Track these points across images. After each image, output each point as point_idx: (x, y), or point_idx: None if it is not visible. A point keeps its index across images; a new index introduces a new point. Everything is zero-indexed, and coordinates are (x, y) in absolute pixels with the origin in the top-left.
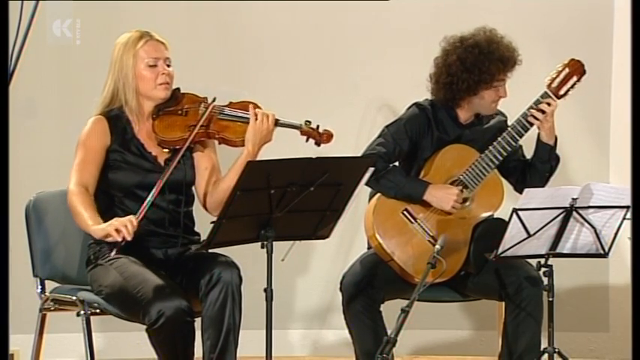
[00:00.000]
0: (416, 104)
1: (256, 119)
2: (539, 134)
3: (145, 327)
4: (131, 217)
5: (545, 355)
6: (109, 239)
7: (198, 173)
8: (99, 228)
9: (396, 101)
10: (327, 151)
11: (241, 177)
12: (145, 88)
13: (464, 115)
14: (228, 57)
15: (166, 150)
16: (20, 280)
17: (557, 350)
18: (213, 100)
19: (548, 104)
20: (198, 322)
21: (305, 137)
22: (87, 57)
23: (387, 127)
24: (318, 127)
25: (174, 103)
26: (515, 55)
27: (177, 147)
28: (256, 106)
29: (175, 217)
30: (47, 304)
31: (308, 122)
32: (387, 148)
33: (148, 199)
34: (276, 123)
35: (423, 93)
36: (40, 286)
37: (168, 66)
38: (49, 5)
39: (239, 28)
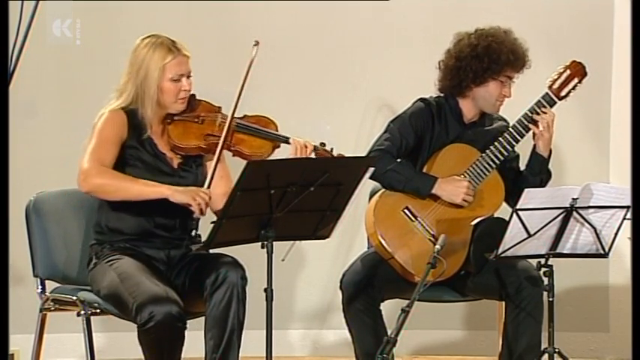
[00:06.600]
0: (421, 99)
1: (296, 152)
2: (535, 144)
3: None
4: (207, 190)
5: (545, 355)
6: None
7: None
8: (177, 191)
9: (396, 101)
10: None
11: (241, 177)
12: (166, 100)
13: (468, 110)
14: (228, 57)
15: (179, 155)
16: (20, 280)
17: (557, 350)
18: (233, 112)
19: (545, 112)
20: (200, 321)
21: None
22: (87, 57)
23: (391, 122)
24: (332, 150)
25: (189, 110)
26: (526, 56)
27: (192, 154)
28: (272, 122)
29: (184, 222)
30: (47, 304)
31: (322, 144)
32: (393, 142)
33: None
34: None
35: (423, 93)
36: (40, 286)
37: (189, 77)
38: (49, 5)
39: (239, 28)
